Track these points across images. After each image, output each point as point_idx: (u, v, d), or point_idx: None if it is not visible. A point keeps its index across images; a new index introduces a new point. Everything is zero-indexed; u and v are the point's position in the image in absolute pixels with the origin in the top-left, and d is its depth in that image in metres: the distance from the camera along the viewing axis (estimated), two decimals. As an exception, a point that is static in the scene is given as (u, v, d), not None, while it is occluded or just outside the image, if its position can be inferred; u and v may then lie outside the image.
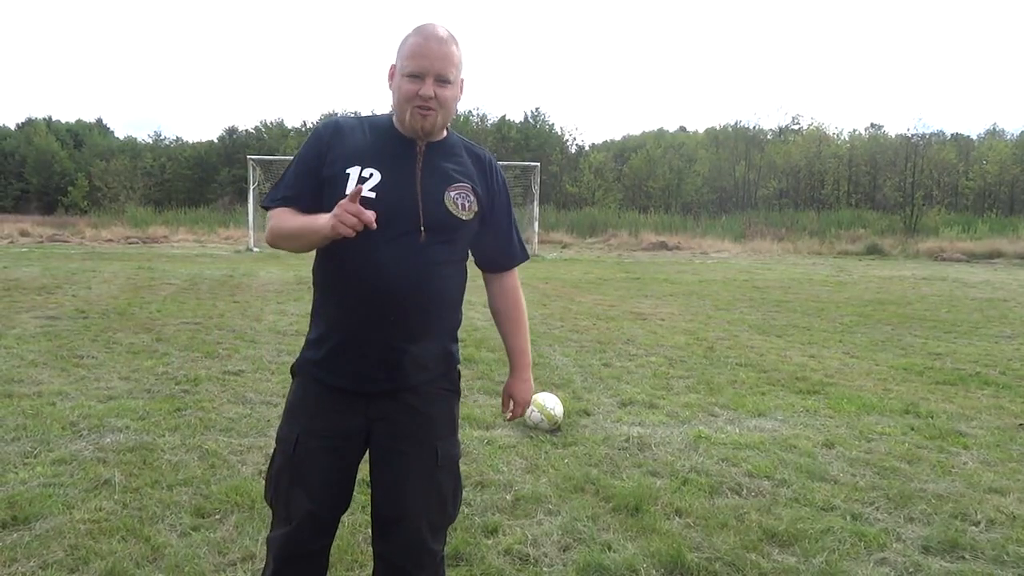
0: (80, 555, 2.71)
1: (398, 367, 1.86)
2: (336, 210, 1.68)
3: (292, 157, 1.97)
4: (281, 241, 1.88)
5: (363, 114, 2.03)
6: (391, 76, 1.89)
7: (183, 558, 2.70)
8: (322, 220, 1.72)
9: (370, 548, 2.64)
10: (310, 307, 1.96)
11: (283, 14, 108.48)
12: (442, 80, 1.82)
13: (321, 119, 58.22)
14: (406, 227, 1.82)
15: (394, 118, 1.91)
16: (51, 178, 54.00)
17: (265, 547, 2.04)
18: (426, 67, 1.80)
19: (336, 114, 54.52)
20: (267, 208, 1.93)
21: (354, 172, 1.83)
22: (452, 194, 1.87)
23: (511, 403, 2.13)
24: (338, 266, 1.85)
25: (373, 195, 1.80)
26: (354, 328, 1.86)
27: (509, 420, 2.17)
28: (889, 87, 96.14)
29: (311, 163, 1.88)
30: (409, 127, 1.84)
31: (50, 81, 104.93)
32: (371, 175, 1.82)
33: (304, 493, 1.88)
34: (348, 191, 1.75)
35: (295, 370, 1.99)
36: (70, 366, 5.70)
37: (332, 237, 1.71)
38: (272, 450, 1.98)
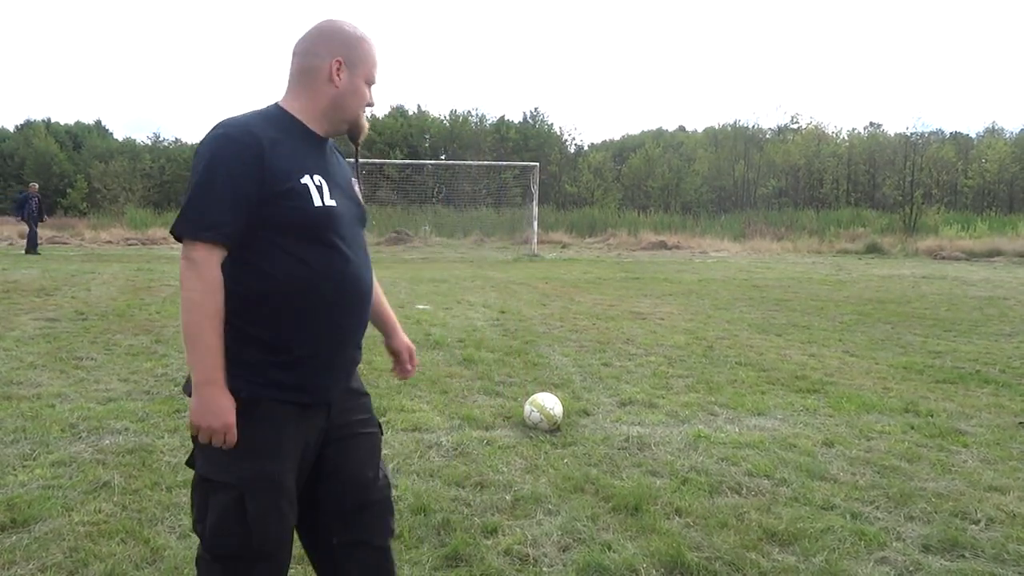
0: (79, 557, 2.71)
1: (354, 370, 1.92)
2: (215, 426, 1.65)
3: (202, 172, 1.69)
4: (190, 321, 1.69)
5: (251, 110, 1.85)
6: (338, 71, 1.80)
7: (182, 560, 2.70)
8: (200, 393, 1.66)
9: None
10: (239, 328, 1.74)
11: (281, 15, 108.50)
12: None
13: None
14: (358, 229, 1.87)
15: (304, 113, 1.82)
16: (50, 180, 53.89)
17: None
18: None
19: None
20: (195, 240, 1.66)
21: (309, 181, 1.74)
22: (358, 187, 1.96)
23: (407, 358, 2.15)
24: (314, 276, 1.75)
25: (334, 203, 1.78)
26: (330, 340, 1.81)
27: (405, 377, 2.20)
28: (888, 86, 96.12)
29: (248, 188, 1.68)
30: (356, 127, 1.87)
31: (49, 83, 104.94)
32: (320, 183, 1.76)
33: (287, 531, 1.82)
34: (315, 203, 1.74)
35: (252, 400, 1.73)
36: (69, 368, 5.70)
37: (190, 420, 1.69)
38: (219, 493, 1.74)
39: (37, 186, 21.25)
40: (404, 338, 2.16)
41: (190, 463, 1.82)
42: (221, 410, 1.66)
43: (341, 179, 1.87)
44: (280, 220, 1.71)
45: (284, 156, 1.73)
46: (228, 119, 1.76)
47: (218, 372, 1.67)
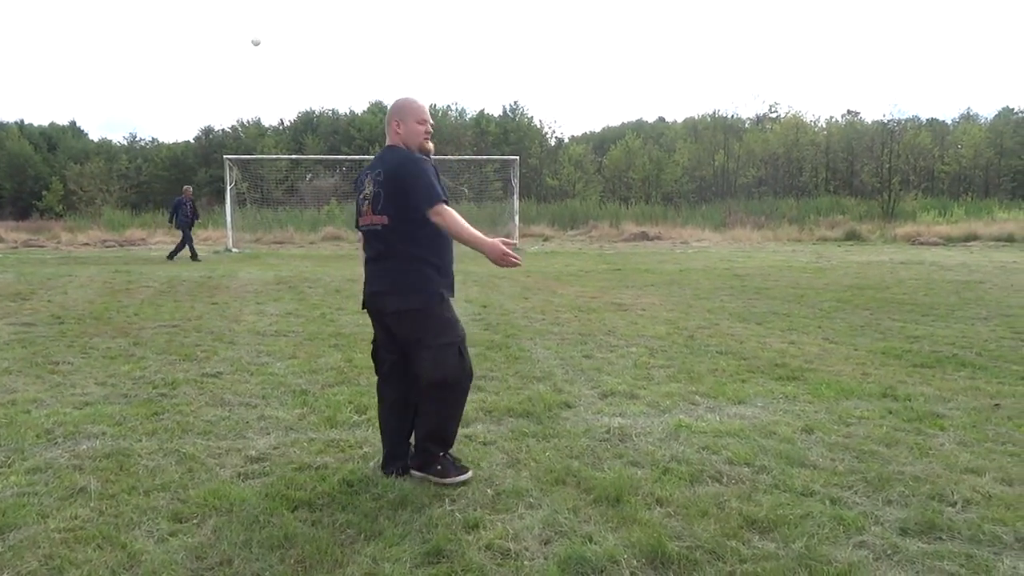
0: (55, 565, 2.67)
1: None
2: (504, 249, 3.21)
3: (422, 169, 3.32)
4: (462, 229, 3.24)
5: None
6: (397, 126, 3.46)
7: (160, 564, 2.67)
8: (488, 244, 3.21)
9: (351, 548, 2.85)
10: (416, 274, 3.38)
11: (258, 13, 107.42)
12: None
13: (299, 117, 57.75)
14: None
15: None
16: (24, 182, 53.25)
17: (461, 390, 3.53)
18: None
19: (313, 112, 54.28)
20: (442, 203, 3.26)
21: None
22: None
23: None
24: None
25: None
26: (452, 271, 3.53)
27: None
28: (865, 73, 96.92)
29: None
30: (422, 150, 3.48)
31: (21, 84, 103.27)
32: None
33: None
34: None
35: (447, 299, 3.49)
36: (45, 373, 5.63)
37: (494, 260, 3.24)
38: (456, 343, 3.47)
39: (191, 189, 19.73)
40: None
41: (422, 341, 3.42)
42: (499, 250, 3.22)
43: None
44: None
45: None
46: (407, 151, 3.43)
47: (481, 235, 3.28)
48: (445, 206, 3.25)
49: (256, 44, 10.09)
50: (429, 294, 3.37)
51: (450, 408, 3.50)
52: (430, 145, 3.48)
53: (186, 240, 18.33)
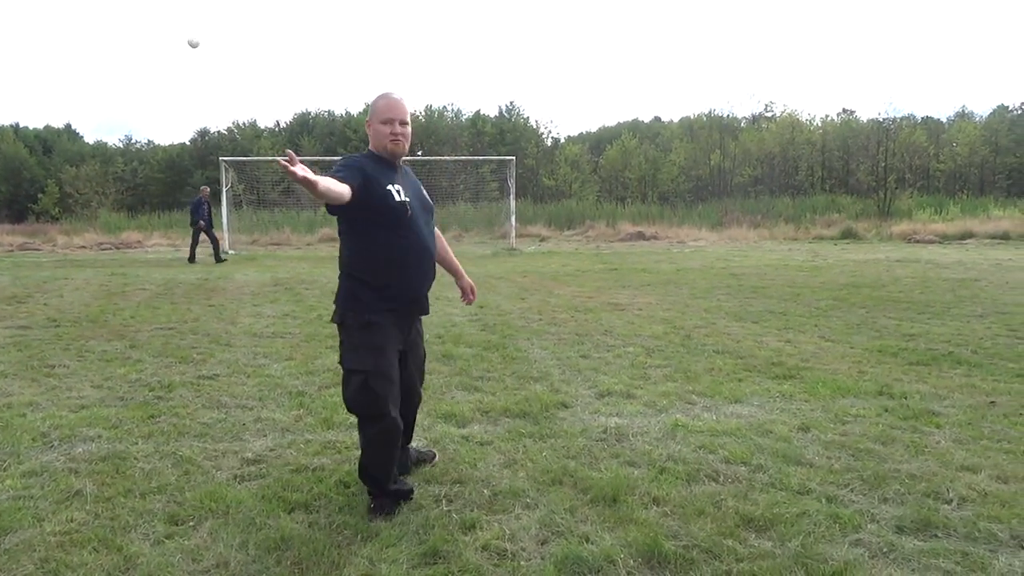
0: (51, 568, 2.67)
1: (425, 300, 3.30)
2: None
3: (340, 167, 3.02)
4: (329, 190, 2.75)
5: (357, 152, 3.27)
6: (368, 126, 3.21)
7: (156, 567, 2.66)
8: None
9: (348, 549, 2.86)
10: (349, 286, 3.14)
11: (253, 14, 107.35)
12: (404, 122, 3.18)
13: (295, 118, 57.66)
14: (426, 217, 3.26)
15: (375, 151, 3.20)
16: (20, 186, 53.20)
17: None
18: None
19: (309, 113, 54.14)
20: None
21: (391, 188, 3.09)
22: (424, 190, 3.36)
23: (470, 292, 3.62)
24: (399, 244, 3.09)
25: (407, 200, 3.11)
26: (408, 281, 3.15)
27: (470, 303, 3.65)
28: (860, 72, 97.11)
29: (357, 172, 2.98)
30: (388, 152, 3.15)
31: (16, 87, 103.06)
32: (398, 189, 3.11)
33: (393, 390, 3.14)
34: (396, 199, 3.09)
35: (369, 321, 3.07)
36: (41, 376, 5.61)
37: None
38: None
39: (208, 189, 19.25)
40: (467, 279, 3.65)
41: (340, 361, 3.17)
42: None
43: (411, 186, 3.22)
44: (378, 208, 3.03)
45: (375, 173, 3.07)
46: (365, 153, 3.21)
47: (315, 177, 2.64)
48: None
49: (194, 46, 9.73)
50: (348, 311, 3.11)
51: (366, 447, 3.15)
52: (400, 148, 3.14)
53: (203, 241, 18.40)
